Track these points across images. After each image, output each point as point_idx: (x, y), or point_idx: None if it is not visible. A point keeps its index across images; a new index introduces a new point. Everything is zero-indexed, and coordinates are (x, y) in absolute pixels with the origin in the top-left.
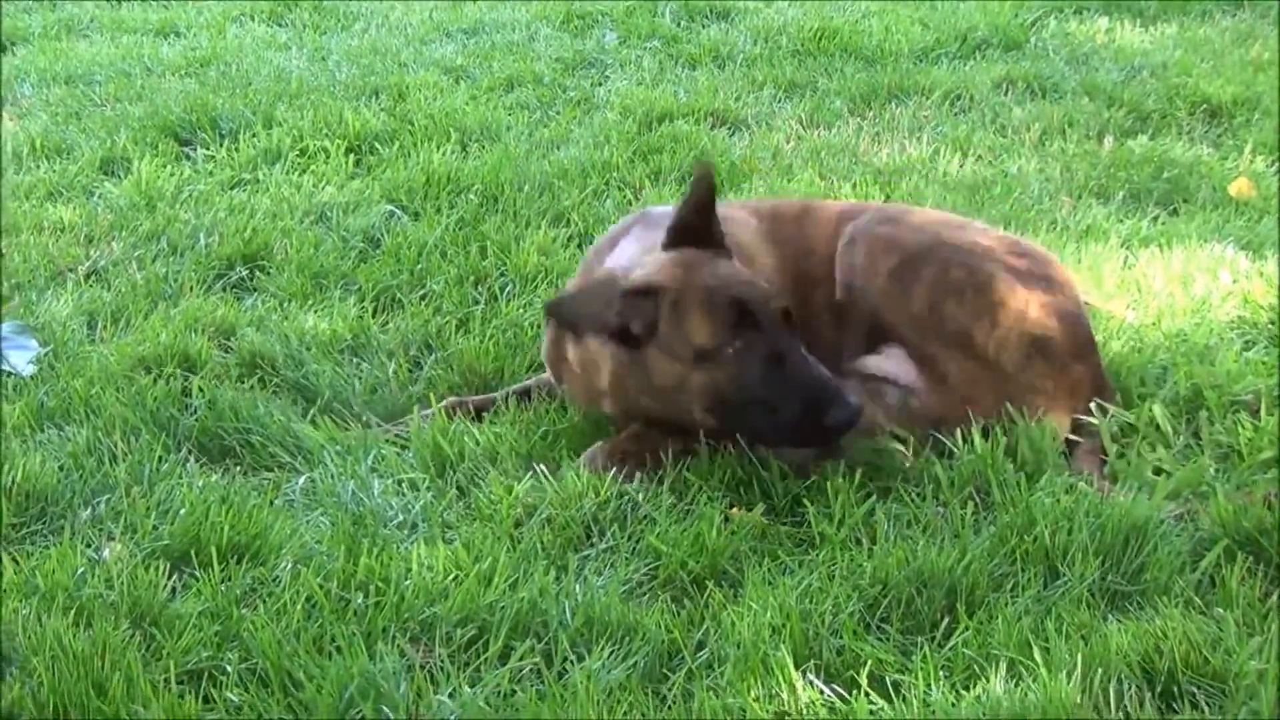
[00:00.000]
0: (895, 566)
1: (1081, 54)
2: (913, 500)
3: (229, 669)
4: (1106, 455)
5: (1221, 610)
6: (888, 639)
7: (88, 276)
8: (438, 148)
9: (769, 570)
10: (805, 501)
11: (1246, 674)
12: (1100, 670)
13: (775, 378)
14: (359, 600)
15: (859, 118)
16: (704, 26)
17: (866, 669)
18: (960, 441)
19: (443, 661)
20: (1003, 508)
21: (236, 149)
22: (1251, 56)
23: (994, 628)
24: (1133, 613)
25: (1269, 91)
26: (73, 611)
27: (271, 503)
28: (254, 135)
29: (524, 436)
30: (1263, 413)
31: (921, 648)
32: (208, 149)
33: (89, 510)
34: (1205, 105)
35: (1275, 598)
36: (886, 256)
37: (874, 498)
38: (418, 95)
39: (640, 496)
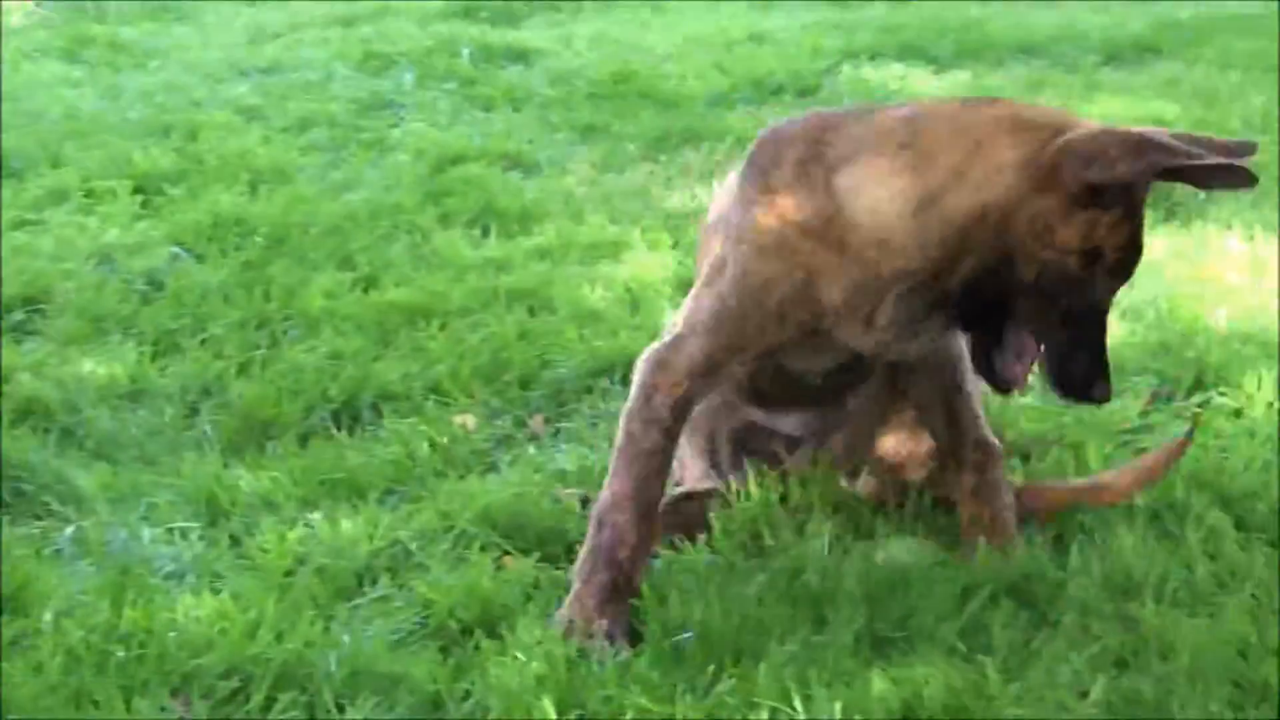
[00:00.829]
0: (662, 614)
1: (875, 100)
2: (686, 548)
3: None
4: None
5: (984, 657)
6: (654, 687)
7: None
8: (226, 188)
9: (539, 618)
10: (578, 548)
11: None
12: (859, 717)
13: (1089, 317)
14: (120, 653)
15: (652, 162)
16: (501, 68)
17: (629, 718)
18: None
19: (203, 715)
20: (774, 554)
21: (23, 189)
22: (1041, 104)
23: (758, 675)
24: (897, 659)
25: None
26: None
27: (39, 552)
28: (40, 175)
29: (301, 483)
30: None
31: (685, 696)
32: None
33: None
34: None
35: (1037, 643)
36: None
37: None
38: (209, 135)
39: (413, 545)
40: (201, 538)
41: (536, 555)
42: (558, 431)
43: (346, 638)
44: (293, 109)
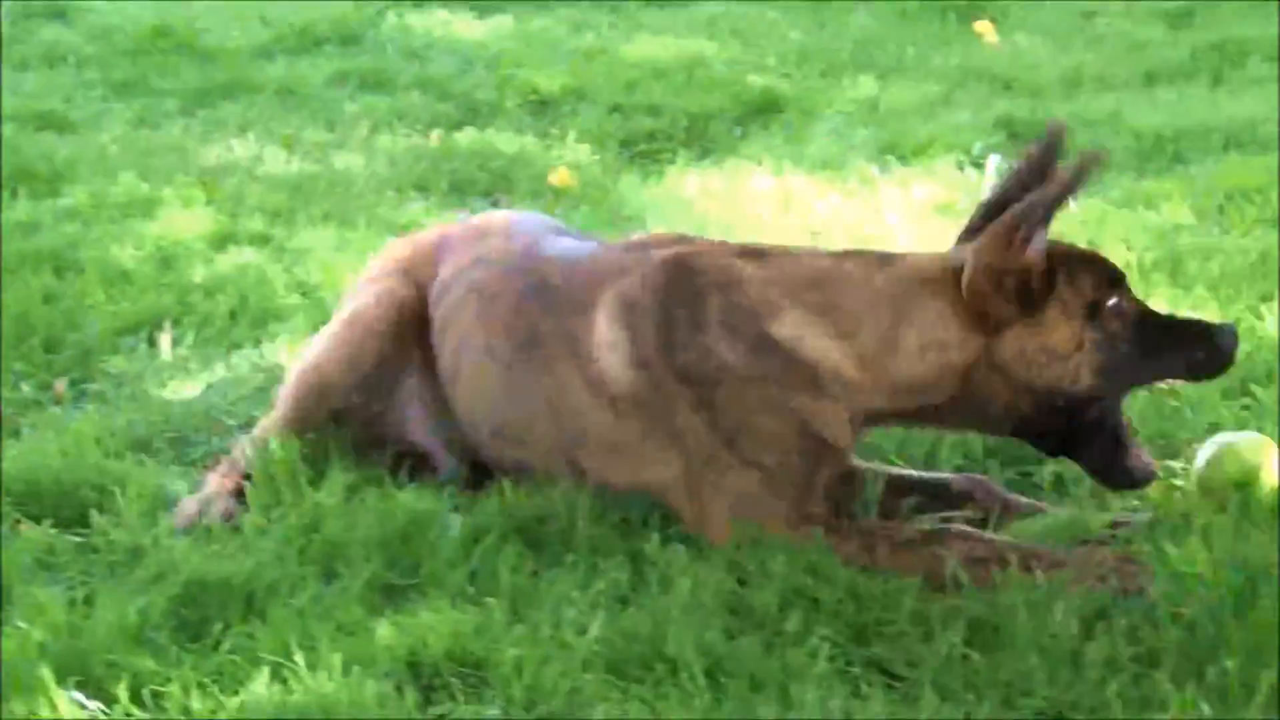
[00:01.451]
0: (174, 575)
1: (418, 47)
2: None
3: None
4: None
5: (491, 599)
6: (160, 650)
7: None
8: None
9: (48, 585)
10: (92, 513)
11: (504, 662)
12: (364, 668)
13: (1152, 324)
14: None
15: (189, 117)
16: (40, 27)
17: (128, 681)
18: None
19: None
20: (293, 508)
21: None
22: (584, 46)
23: (264, 632)
24: (406, 607)
25: (596, 81)
26: None
27: None
28: None
29: None
30: None
31: (187, 656)
32: None
33: None
34: (534, 95)
35: (544, 583)
36: None
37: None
38: None
39: None
40: None
41: (50, 521)
42: (82, 394)
43: None
44: None
